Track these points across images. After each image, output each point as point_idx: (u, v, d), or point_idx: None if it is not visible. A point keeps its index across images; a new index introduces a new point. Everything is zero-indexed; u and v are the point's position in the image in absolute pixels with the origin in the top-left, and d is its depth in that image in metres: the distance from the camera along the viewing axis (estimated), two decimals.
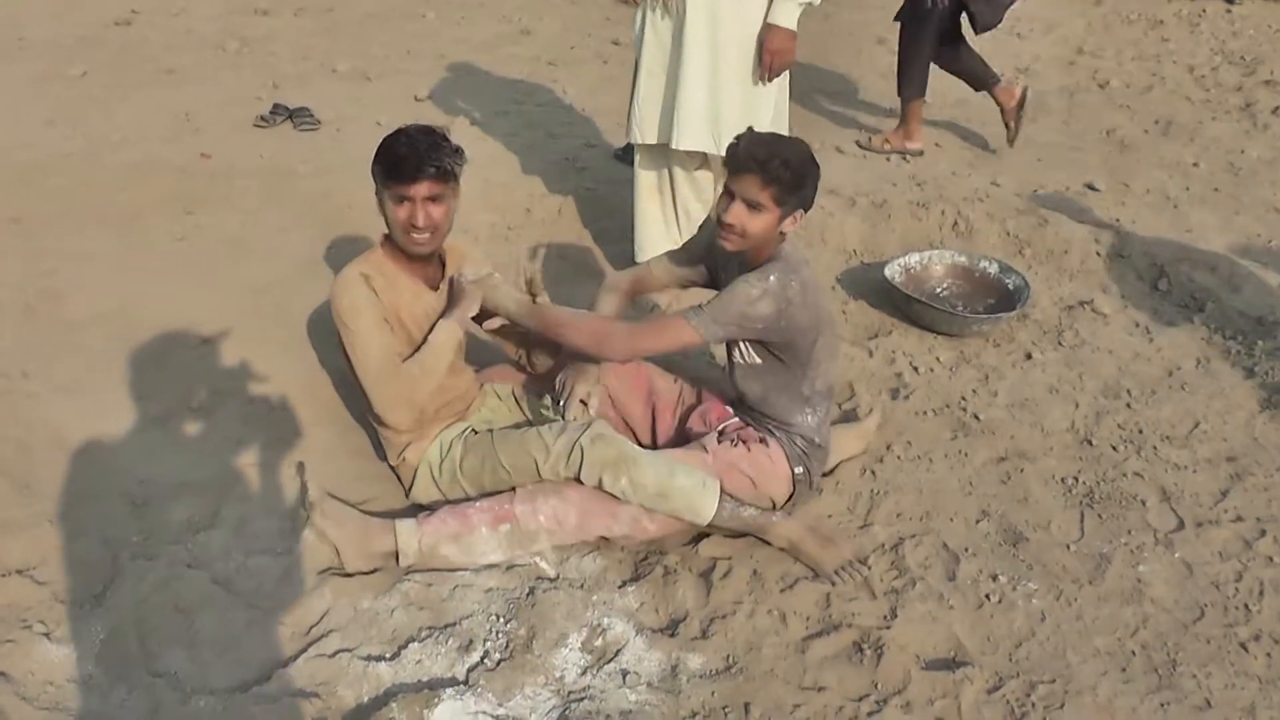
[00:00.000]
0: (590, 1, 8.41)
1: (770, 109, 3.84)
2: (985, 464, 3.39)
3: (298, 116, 5.85)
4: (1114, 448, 3.47)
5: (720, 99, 3.79)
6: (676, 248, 3.36)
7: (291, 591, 2.81)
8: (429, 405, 2.96)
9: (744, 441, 3.00)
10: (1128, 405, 3.68)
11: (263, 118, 5.82)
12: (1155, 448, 3.47)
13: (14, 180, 4.79)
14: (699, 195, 4.10)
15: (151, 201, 4.63)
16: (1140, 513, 3.19)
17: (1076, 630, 2.78)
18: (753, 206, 2.77)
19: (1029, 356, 3.94)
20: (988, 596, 2.88)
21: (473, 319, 3.07)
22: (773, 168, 2.72)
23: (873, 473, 3.34)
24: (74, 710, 2.46)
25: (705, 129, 3.82)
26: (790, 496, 3.04)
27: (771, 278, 2.78)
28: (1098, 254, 4.57)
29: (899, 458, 3.40)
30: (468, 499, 2.99)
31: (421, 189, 2.81)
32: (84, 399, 3.47)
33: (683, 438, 3.15)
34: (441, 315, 3.02)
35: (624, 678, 2.60)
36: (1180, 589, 2.92)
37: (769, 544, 2.98)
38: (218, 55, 6.89)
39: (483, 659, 2.62)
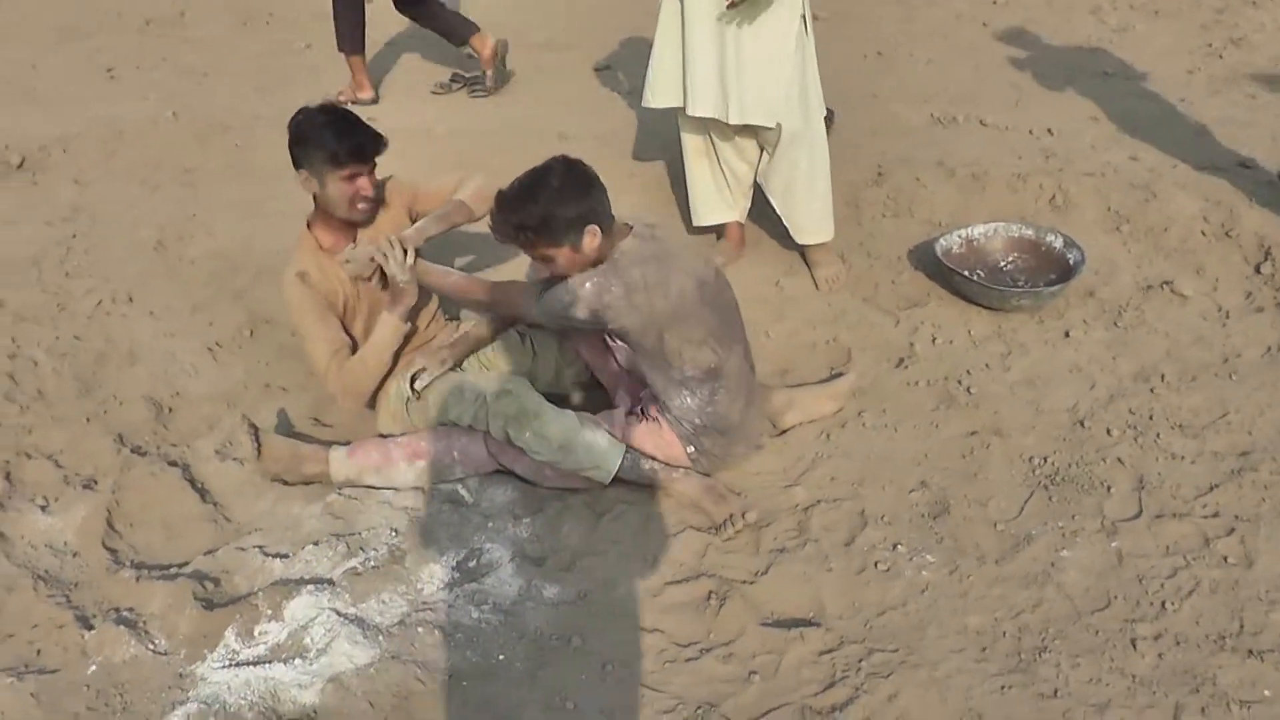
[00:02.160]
0: None
1: (787, 73, 3.78)
2: (952, 437, 3.30)
3: (474, 83, 6.37)
4: (1109, 431, 3.27)
5: (730, 65, 3.79)
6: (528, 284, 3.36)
7: (242, 494, 3.24)
8: (369, 392, 3.28)
9: (648, 416, 3.14)
10: (1151, 390, 3.43)
11: (441, 84, 6.40)
12: (1159, 435, 3.24)
13: (199, 137, 5.59)
14: (743, 157, 4.16)
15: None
16: (1099, 499, 3.03)
17: (952, 607, 2.72)
18: (543, 260, 2.93)
19: (1067, 335, 3.74)
20: (875, 564, 2.86)
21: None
22: (520, 238, 2.88)
23: (828, 436, 3.35)
24: (40, 569, 3.01)
25: (714, 95, 3.86)
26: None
27: (587, 285, 2.89)
28: (1202, 233, 4.21)
29: (865, 424, 3.39)
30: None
31: (369, 166, 3.17)
32: (163, 322, 4.10)
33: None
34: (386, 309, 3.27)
35: (474, 596, 2.82)
36: (1096, 578, 2.77)
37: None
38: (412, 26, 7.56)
39: (360, 565, 2.93)
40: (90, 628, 2.78)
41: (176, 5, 7.92)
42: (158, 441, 3.48)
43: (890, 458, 3.23)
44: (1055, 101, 5.55)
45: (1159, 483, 3.06)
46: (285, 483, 3.26)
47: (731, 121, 3.89)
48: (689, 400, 3.08)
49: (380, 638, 2.69)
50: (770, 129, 3.89)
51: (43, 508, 3.21)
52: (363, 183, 3.17)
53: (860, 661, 2.58)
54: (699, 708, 2.50)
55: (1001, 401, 3.43)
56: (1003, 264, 4.10)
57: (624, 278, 2.89)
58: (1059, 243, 4.00)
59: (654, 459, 3.11)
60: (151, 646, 2.74)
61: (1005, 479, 3.13)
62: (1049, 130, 5.19)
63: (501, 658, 2.67)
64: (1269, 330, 3.68)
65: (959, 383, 3.53)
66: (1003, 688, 2.49)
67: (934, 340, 3.76)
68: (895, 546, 2.90)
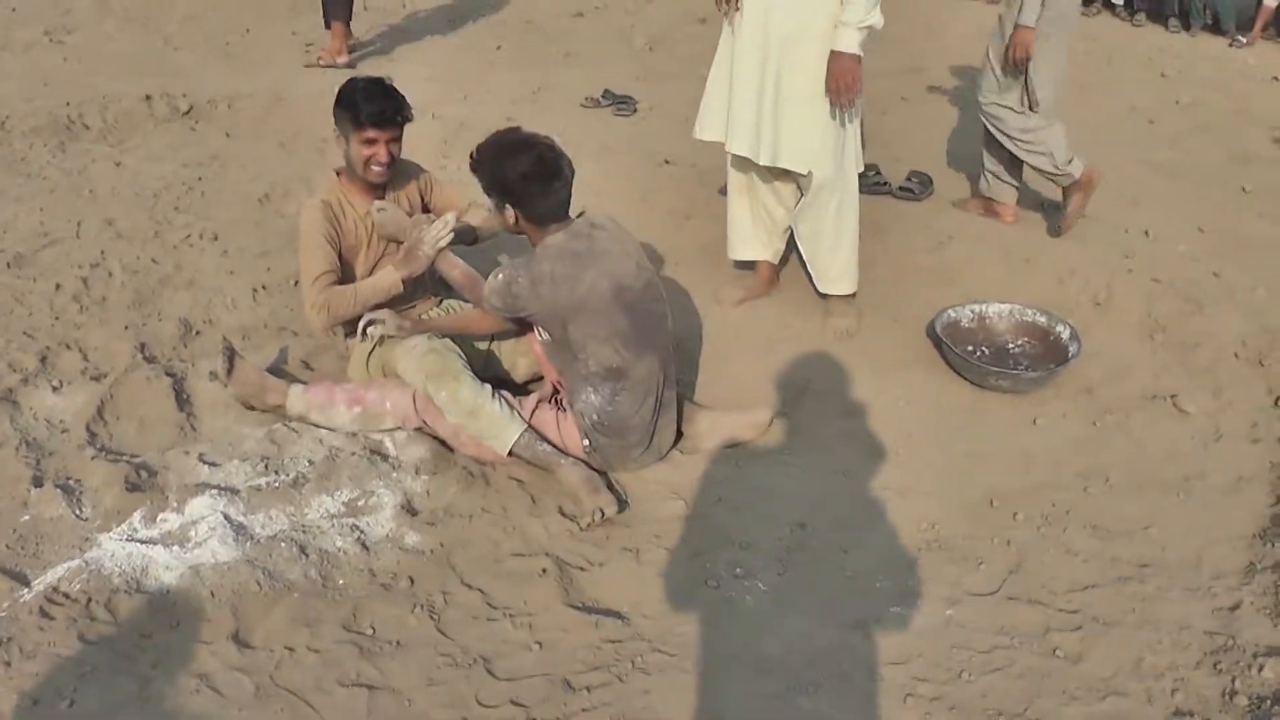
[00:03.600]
0: None
1: (825, 119, 3.97)
2: (857, 488, 3.46)
3: (621, 103, 6.84)
4: (1015, 515, 3.36)
5: (768, 105, 4.00)
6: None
7: (214, 410, 3.77)
8: (342, 321, 3.69)
9: (557, 407, 3.46)
10: (1086, 490, 3.47)
11: (591, 98, 6.90)
12: (1066, 530, 3.30)
13: None
14: (780, 201, 4.39)
15: (434, 148, 5.83)
16: (964, 571, 3.14)
17: (756, 630, 2.90)
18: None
19: (1035, 421, 3.80)
20: (708, 581, 3.07)
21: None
22: (472, 162, 3.27)
23: (737, 463, 3.56)
24: (31, 436, 3.61)
25: (750, 134, 4.07)
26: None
27: (500, 275, 3.29)
28: (1235, 355, 4.14)
29: (782, 459, 3.60)
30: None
31: (388, 133, 3.60)
32: (230, 260, 4.74)
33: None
34: (394, 265, 3.69)
35: (347, 529, 3.22)
36: (911, 637, 2.90)
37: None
38: (616, 47, 8.10)
39: (266, 484, 3.38)
40: (39, 486, 3.33)
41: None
42: (170, 356, 4.05)
43: (785, 494, 3.42)
44: (1174, 207, 5.48)
45: (1034, 571, 3.13)
46: (251, 407, 3.74)
47: (761, 162, 4.12)
48: (592, 397, 3.38)
49: (247, 544, 3.12)
50: (803, 174, 4.10)
51: (55, 389, 3.82)
52: (379, 149, 3.59)
53: (637, 656, 2.80)
54: (475, 659, 2.79)
55: (927, 467, 3.55)
56: (1010, 345, 4.18)
57: (532, 271, 3.24)
58: (1066, 333, 4.05)
59: (551, 444, 3.42)
60: (76, 512, 3.26)
61: (885, 534, 3.26)
62: (1145, 232, 5.14)
63: (341, 582, 3.05)
64: (1252, 461, 3.61)
65: (897, 442, 3.67)
66: (760, 707, 2.66)
67: (898, 401, 3.89)
68: (737, 570, 3.10)
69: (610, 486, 3.41)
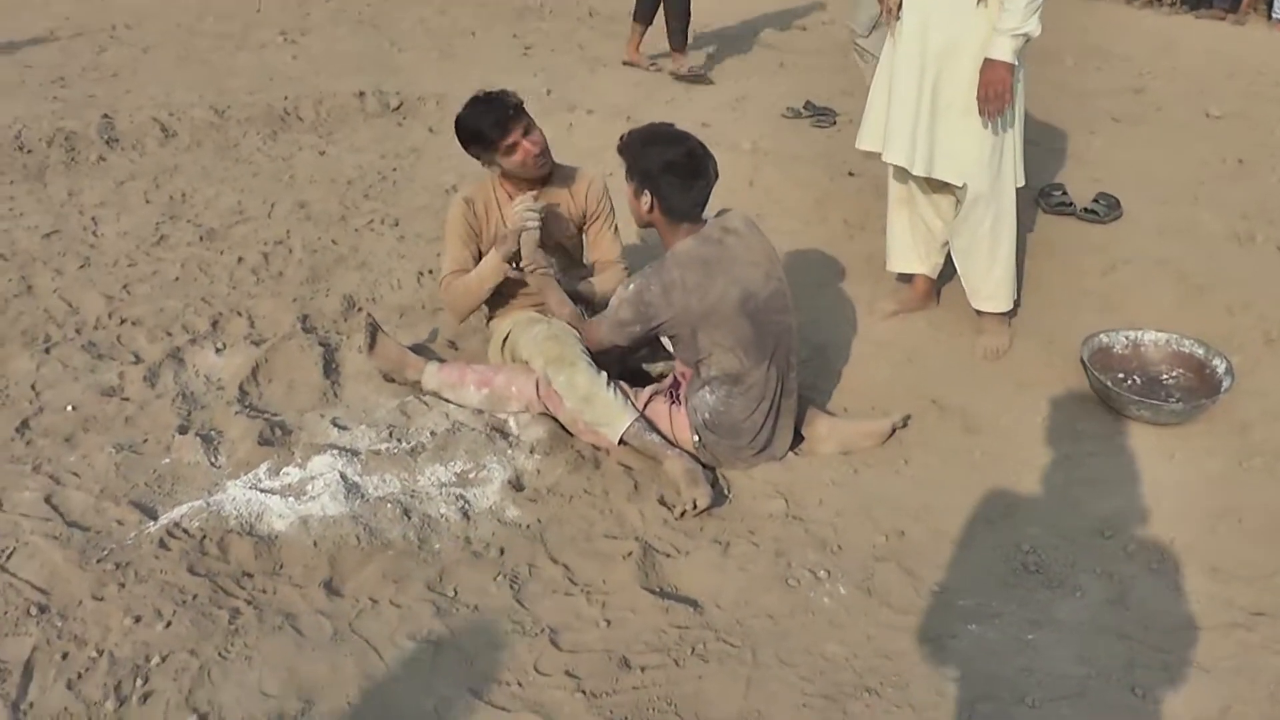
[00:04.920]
0: None
1: (982, 130, 3.93)
2: (967, 504, 3.41)
3: (821, 114, 6.91)
4: (1126, 548, 3.24)
5: (925, 114, 3.99)
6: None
7: (356, 380, 4.05)
8: (467, 313, 3.92)
9: (671, 400, 3.56)
10: (1212, 530, 3.30)
11: (792, 109, 6.99)
12: (1180, 568, 3.16)
13: (547, 113, 6.57)
14: (939, 213, 4.36)
15: None
16: (1060, 597, 3.05)
17: (823, 633, 2.91)
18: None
19: (1173, 456, 3.65)
20: (789, 579, 3.10)
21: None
22: (620, 144, 3.36)
23: (854, 470, 3.58)
24: (189, 390, 3.96)
25: (906, 144, 4.05)
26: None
27: (631, 286, 3.40)
28: None
29: (896, 471, 3.59)
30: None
31: (518, 130, 3.73)
32: (405, 244, 5.08)
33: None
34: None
35: (452, 498, 3.41)
36: (982, 658, 2.84)
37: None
38: (829, 59, 8.15)
39: (386, 449, 3.61)
40: (184, 434, 3.66)
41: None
42: (329, 328, 4.36)
43: (890, 502, 3.40)
44: None
45: (1136, 606, 3.01)
46: (391, 380, 4.00)
47: (915, 172, 4.12)
48: (707, 396, 3.47)
49: (357, 502, 3.34)
50: (959, 186, 4.08)
51: (218, 350, 4.18)
52: (523, 145, 3.73)
53: (700, 644, 2.85)
54: (543, 629, 2.91)
55: (1044, 489, 3.46)
56: (1164, 376, 4.02)
57: (664, 277, 3.36)
58: (1222, 367, 3.87)
59: (662, 435, 3.52)
60: (212, 460, 3.56)
61: (983, 553, 3.20)
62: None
63: (437, 547, 3.23)
64: None
65: (1019, 462, 3.59)
66: (808, 706, 2.68)
67: (1032, 422, 3.81)
68: (822, 572, 3.11)
69: (715, 482, 3.46)
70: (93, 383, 3.95)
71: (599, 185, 3.96)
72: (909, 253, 4.50)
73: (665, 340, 3.51)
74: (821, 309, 4.59)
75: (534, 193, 3.80)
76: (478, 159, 3.81)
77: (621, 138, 3.48)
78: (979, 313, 4.33)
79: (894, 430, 3.68)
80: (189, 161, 6.03)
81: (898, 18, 4.04)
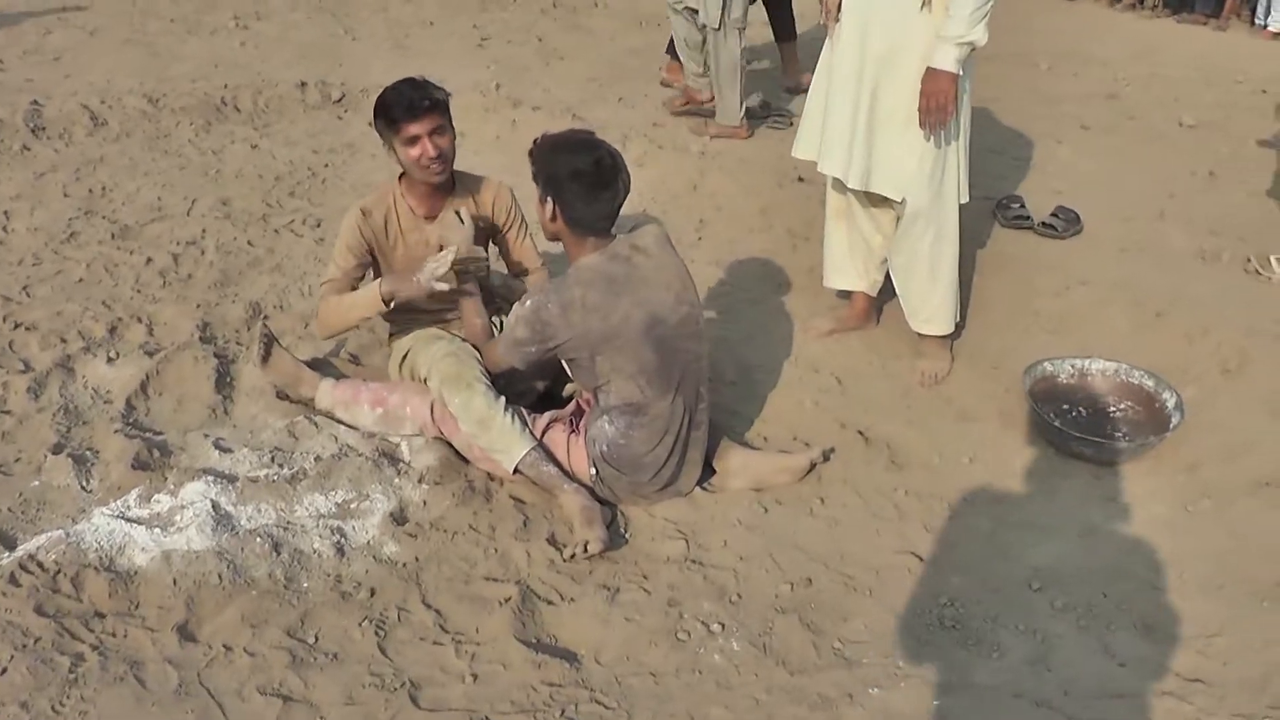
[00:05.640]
0: None
1: (923, 142, 3.74)
2: (881, 550, 3.23)
3: (778, 116, 6.70)
4: (1054, 604, 3.06)
5: (862, 123, 3.79)
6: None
7: (249, 395, 3.86)
8: (335, 333, 3.74)
9: (571, 429, 3.38)
10: (1154, 586, 3.11)
11: (748, 110, 6.76)
12: (1111, 626, 2.97)
13: (490, 109, 6.39)
14: (877, 227, 4.15)
15: None
16: (974, 657, 2.87)
17: (709, 694, 2.73)
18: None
19: (1113, 500, 3.46)
20: (678, 632, 2.91)
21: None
22: (531, 148, 3.19)
23: (764, 508, 3.38)
24: (74, 403, 3.78)
25: (842, 154, 3.86)
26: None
27: (528, 302, 3.20)
28: None
29: (810, 510, 3.40)
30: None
31: (426, 124, 3.48)
32: (325, 247, 4.87)
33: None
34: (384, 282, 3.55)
35: (328, 531, 3.22)
36: None
37: None
38: None
39: (265, 475, 3.42)
40: (57, 453, 3.47)
41: None
42: (230, 338, 4.17)
43: (801, 546, 3.22)
44: None
45: (1059, 668, 2.83)
46: (285, 397, 3.81)
47: (850, 185, 3.93)
48: (606, 427, 3.28)
49: (225, 535, 3.14)
50: (898, 201, 3.89)
51: (110, 360, 3.99)
52: (424, 144, 3.48)
53: (571, 705, 2.67)
54: (404, 683, 2.73)
55: (971, 535, 3.28)
56: (1111, 409, 3.83)
57: (563, 295, 3.16)
58: (1171, 401, 3.68)
59: (558, 466, 3.33)
60: (82, 483, 3.38)
61: (896, 605, 3.02)
62: None
63: (305, 585, 3.04)
64: None
65: (945, 504, 3.41)
66: None
67: (963, 458, 3.62)
68: (715, 625, 2.93)
69: (613, 519, 3.28)
70: None
71: (506, 195, 3.76)
72: (847, 269, 4.31)
73: (564, 364, 3.30)
74: (755, 325, 4.40)
75: (461, 208, 3.58)
76: (380, 138, 3.59)
77: (534, 141, 3.29)
78: (919, 335, 4.13)
79: (813, 466, 3.49)
80: (116, 153, 5.84)
81: (836, 19, 3.83)
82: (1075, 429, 3.66)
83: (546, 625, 2.93)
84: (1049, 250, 4.83)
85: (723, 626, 2.92)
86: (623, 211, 3.25)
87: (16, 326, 4.18)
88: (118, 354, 4.02)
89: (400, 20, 8.59)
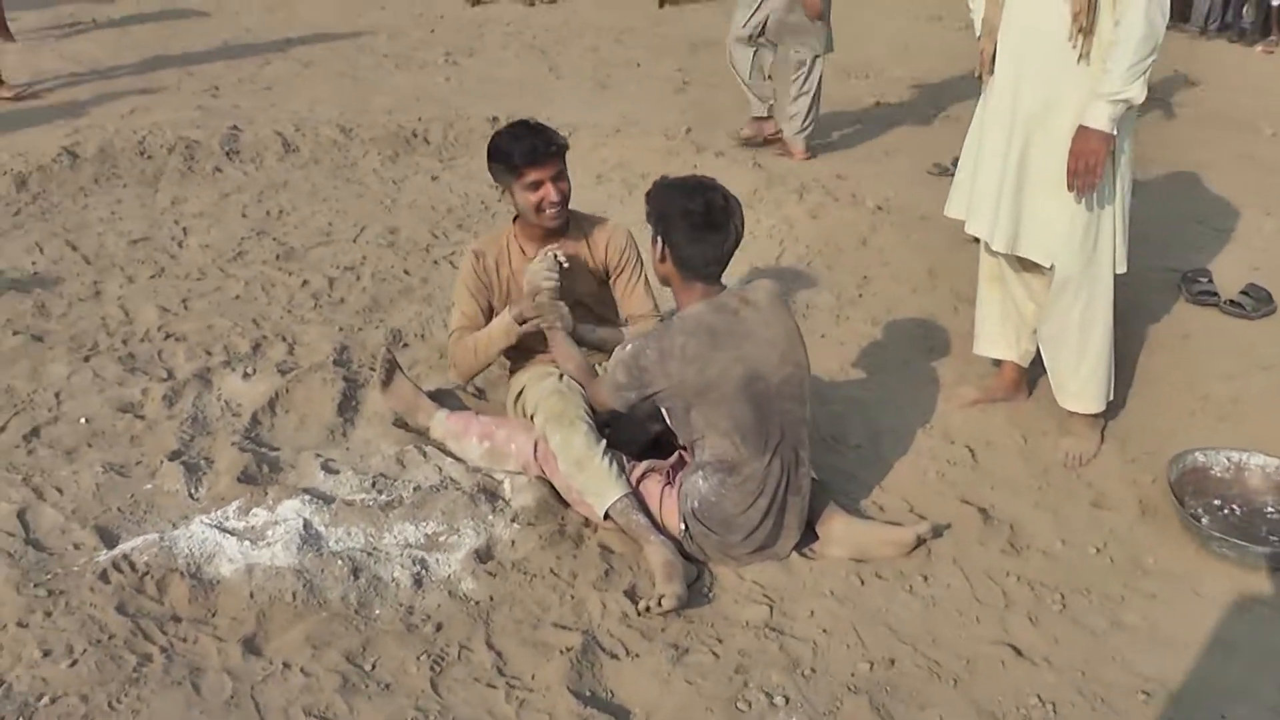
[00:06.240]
0: None
1: (1075, 206, 3.52)
2: (972, 639, 3.01)
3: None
4: (1141, 699, 2.78)
5: (1010, 183, 3.61)
6: None
7: (369, 420, 3.93)
8: (473, 373, 3.76)
9: (666, 480, 3.30)
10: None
11: (939, 165, 6.59)
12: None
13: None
14: (1030, 295, 3.92)
15: None
16: None
17: None
18: None
19: (1251, 609, 3.14)
20: (739, 701, 2.78)
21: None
22: (650, 188, 3.16)
23: (861, 580, 3.21)
24: (203, 414, 3.94)
25: (989, 215, 3.69)
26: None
27: (628, 347, 3.17)
28: None
29: (909, 587, 3.19)
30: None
31: (549, 170, 3.53)
32: None
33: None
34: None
35: (410, 561, 3.23)
36: None
37: None
38: None
39: (361, 500, 3.46)
40: (173, 460, 3.61)
41: None
42: (362, 360, 4.27)
43: (890, 625, 3.03)
44: None
45: None
46: (403, 425, 3.86)
47: (996, 248, 3.75)
48: (699, 483, 3.19)
49: (309, 555, 3.19)
50: (1047, 266, 3.69)
51: (246, 375, 4.14)
52: (546, 190, 3.53)
53: None
54: None
55: (1077, 635, 3.02)
56: (1269, 509, 3.49)
57: (663, 343, 3.12)
58: None
59: (649, 517, 3.25)
60: (190, 490, 3.50)
61: (980, 699, 2.80)
62: None
63: (377, 613, 3.05)
64: None
65: (1055, 595, 3.16)
66: None
67: (1089, 548, 3.36)
68: (776, 697, 2.78)
69: (697, 577, 3.18)
70: (115, 396, 3.96)
71: (621, 236, 3.72)
72: (997, 336, 4.08)
73: (663, 412, 3.23)
74: (896, 389, 4.22)
75: (555, 246, 3.59)
76: (496, 183, 3.64)
77: (655, 182, 3.26)
78: (1067, 412, 3.86)
79: (920, 541, 3.29)
80: (300, 178, 6.10)
81: (991, 71, 3.66)
82: (1219, 528, 3.33)
83: (605, 679, 2.84)
84: (1233, 330, 4.47)
85: (787, 700, 2.77)
86: (778, 263, 3.16)
87: (168, 337, 4.38)
88: (254, 370, 4.15)
89: (608, 60, 8.73)
